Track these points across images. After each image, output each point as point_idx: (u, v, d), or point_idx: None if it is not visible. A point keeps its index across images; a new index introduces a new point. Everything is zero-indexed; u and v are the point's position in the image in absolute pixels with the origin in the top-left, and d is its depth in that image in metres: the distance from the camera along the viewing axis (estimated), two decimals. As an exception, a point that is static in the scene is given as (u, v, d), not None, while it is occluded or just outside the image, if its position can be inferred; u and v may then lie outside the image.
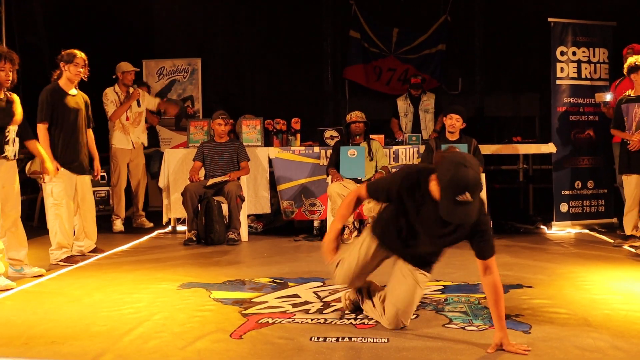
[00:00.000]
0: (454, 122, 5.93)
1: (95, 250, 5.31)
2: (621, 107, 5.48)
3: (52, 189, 4.93)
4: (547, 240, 5.97)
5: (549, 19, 6.55)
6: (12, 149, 4.34)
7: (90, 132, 5.31)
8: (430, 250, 3.10)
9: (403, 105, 7.35)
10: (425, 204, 2.83)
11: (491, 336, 2.94)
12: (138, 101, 6.90)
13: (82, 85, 5.22)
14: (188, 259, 5.21)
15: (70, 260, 4.95)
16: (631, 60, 5.32)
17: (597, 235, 6.18)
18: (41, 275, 4.45)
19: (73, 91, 5.07)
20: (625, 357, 2.66)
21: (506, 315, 3.26)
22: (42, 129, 4.90)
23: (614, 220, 6.59)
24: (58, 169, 4.84)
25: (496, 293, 2.81)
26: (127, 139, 6.78)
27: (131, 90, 6.84)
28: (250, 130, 6.81)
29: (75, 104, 5.07)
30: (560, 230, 6.42)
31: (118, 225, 6.67)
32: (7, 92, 4.33)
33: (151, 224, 6.92)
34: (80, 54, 5.02)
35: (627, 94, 5.45)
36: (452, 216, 2.62)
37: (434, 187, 2.72)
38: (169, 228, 6.76)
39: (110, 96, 6.73)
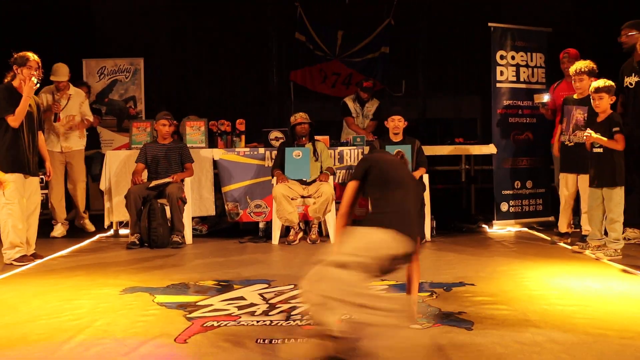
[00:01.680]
0: (397, 124, 6.02)
1: (33, 256, 5.14)
2: (564, 107, 5.68)
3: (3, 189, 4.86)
4: (488, 239, 6.13)
5: (489, 24, 6.73)
6: None
7: (40, 135, 5.25)
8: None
9: (353, 105, 7.38)
10: None
11: (436, 334, 3.01)
12: (66, 105, 6.53)
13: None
14: (131, 263, 5.09)
15: (23, 259, 4.89)
16: (578, 65, 5.49)
17: (535, 233, 6.38)
18: None
19: (24, 92, 4.98)
20: (562, 350, 2.75)
21: (449, 313, 3.35)
22: (11, 120, 4.88)
23: (551, 218, 6.83)
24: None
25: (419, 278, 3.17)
26: (56, 143, 6.48)
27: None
28: (194, 131, 6.72)
29: (28, 107, 5.01)
30: (501, 229, 6.60)
31: (58, 229, 6.45)
32: None
33: (93, 228, 6.73)
34: (33, 57, 4.98)
35: (573, 96, 5.63)
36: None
37: None
38: (111, 232, 6.60)
39: (43, 99, 6.38)
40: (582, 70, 5.40)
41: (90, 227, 6.75)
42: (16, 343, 2.97)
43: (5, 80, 5.03)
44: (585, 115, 5.36)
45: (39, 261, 5.08)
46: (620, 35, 5.60)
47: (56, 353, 2.81)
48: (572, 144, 5.56)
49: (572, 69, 5.52)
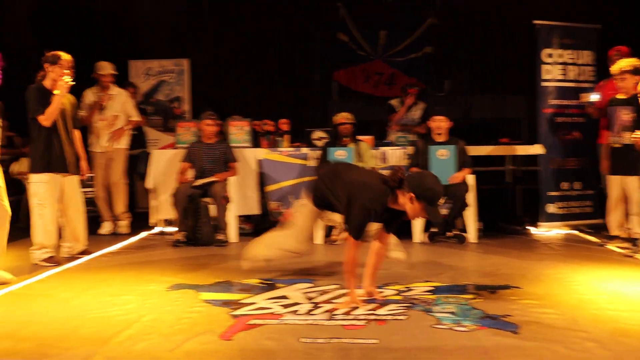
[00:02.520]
0: (440, 124, 5.97)
1: (84, 252, 5.25)
2: (607, 109, 5.53)
3: (36, 189, 4.90)
4: (534, 241, 6.01)
5: (534, 22, 6.60)
6: None
7: (77, 133, 5.25)
8: None
9: (398, 106, 7.33)
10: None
11: (480, 337, 2.97)
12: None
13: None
14: (177, 261, 5.19)
15: (50, 260, 4.90)
16: (621, 64, 5.35)
17: (584, 235, 6.23)
18: (8, 284, 4.22)
19: (57, 91, 4.98)
20: (613, 356, 2.68)
21: (494, 315, 3.30)
22: (44, 120, 4.88)
23: (601, 221, 6.64)
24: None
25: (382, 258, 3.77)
26: (98, 142, 6.58)
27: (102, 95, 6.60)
28: (238, 131, 6.79)
29: (63, 106, 5.03)
30: (547, 231, 6.47)
31: (104, 227, 6.60)
32: None
33: (128, 230, 6.62)
34: (65, 56, 4.96)
35: (617, 97, 5.49)
36: (436, 216, 3.47)
37: (404, 202, 3.39)
38: (157, 229, 6.73)
39: (87, 98, 6.55)
40: (625, 69, 5.25)
41: (125, 230, 6.64)
42: (67, 336, 3.05)
43: (36, 80, 5.00)
44: (632, 115, 5.21)
45: (87, 257, 5.19)
46: None
47: (105, 347, 2.88)
48: (619, 145, 5.40)
49: (614, 68, 5.37)
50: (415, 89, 7.31)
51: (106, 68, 6.59)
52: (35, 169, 4.93)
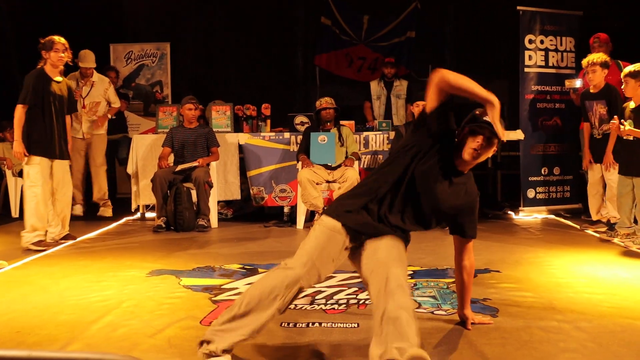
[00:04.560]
0: (422, 109, 5.96)
1: (67, 237, 5.25)
2: (584, 102, 5.58)
3: (28, 171, 4.95)
4: (514, 226, 6.07)
5: (518, 8, 6.61)
6: None
7: (67, 119, 5.29)
8: (423, 213, 2.66)
9: (376, 88, 7.37)
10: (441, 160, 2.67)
11: (460, 320, 2.99)
12: (89, 92, 6.57)
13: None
14: (157, 246, 5.16)
15: (40, 244, 4.92)
16: (591, 57, 5.37)
17: (562, 220, 6.30)
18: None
19: (58, 78, 5.10)
20: (588, 338, 2.72)
21: (474, 299, 3.33)
22: (20, 110, 4.91)
23: (579, 205, 6.73)
24: (26, 155, 4.88)
25: (471, 276, 2.93)
26: (77, 129, 6.50)
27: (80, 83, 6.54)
28: (220, 115, 6.75)
29: (59, 91, 5.10)
30: (527, 216, 6.53)
31: (76, 210, 6.55)
32: None
33: (110, 214, 6.62)
34: (59, 39, 5.02)
35: (589, 90, 5.52)
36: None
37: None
38: (138, 215, 6.69)
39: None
40: (595, 61, 5.29)
41: (108, 213, 6.64)
42: (46, 322, 3.03)
43: (38, 67, 5.06)
44: (607, 108, 5.26)
45: (70, 242, 5.17)
46: None
47: (84, 333, 2.87)
48: (600, 136, 5.45)
49: (584, 61, 5.40)
50: (392, 58, 7.32)
51: (89, 61, 6.52)
52: (29, 152, 4.93)
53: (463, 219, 2.79)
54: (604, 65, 5.28)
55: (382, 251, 2.50)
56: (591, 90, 5.46)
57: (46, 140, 4.99)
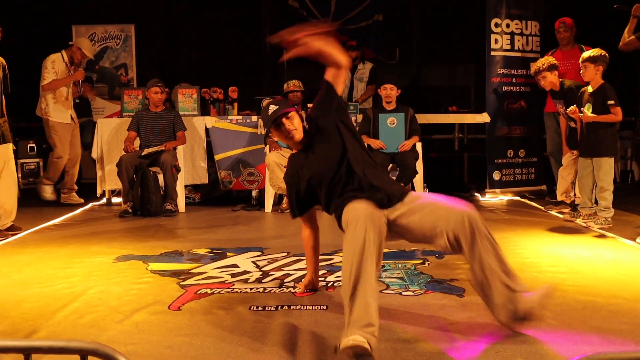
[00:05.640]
0: (389, 92, 5.99)
1: (11, 228, 4.86)
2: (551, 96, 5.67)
3: None
4: (480, 207, 6.16)
5: (485, -10, 6.65)
6: None
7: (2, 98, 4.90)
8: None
9: None
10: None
11: (427, 301, 3.04)
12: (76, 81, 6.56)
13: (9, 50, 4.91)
14: (124, 231, 5.10)
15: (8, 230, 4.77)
16: (537, 64, 5.43)
17: (527, 201, 6.42)
18: None
19: None
20: (551, 316, 2.79)
21: (441, 280, 3.38)
22: None
23: (543, 187, 6.86)
24: None
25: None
26: (68, 114, 6.39)
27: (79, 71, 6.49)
28: (187, 99, 6.67)
29: None
30: (493, 198, 6.64)
31: (48, 191, 6.42)
32: None
33: (81, 200, 6.52)
34: None
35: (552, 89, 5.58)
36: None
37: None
38: (104, 200, 6.59)
39: (58, 65, 6.27)
40: (541, 68, 5.35)
41: (77, 201, 6.50)
42: (10, 311, 2.97)
43: None
44: (564, 107, 5.33)
45: (21, 234, 4.89)
46: None
47: (50, 320, 2.82)
48: (574, 125, 5.53)
49: (533, 69, 5.47)
50: (354, 42, 7.30)
51: (89, 51, 6.47)
52: None
53: None
54: (551, 68, 5.34)
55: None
56: (553, 89, 5.52)
57: None
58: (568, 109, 5.12)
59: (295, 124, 2.98)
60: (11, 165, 4.86)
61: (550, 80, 5.38)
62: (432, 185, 6.37)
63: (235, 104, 6.75)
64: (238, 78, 7.79)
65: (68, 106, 6.40)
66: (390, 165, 5.87)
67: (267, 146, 6.06)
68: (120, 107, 6.82)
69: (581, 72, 5.02)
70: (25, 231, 4.99)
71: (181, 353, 2.42)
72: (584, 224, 4.98)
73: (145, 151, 5.88)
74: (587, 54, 4.98)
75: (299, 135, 2.98)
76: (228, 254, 4.12)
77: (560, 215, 5.45)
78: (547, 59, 5.42)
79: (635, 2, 5.38)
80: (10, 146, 4.88)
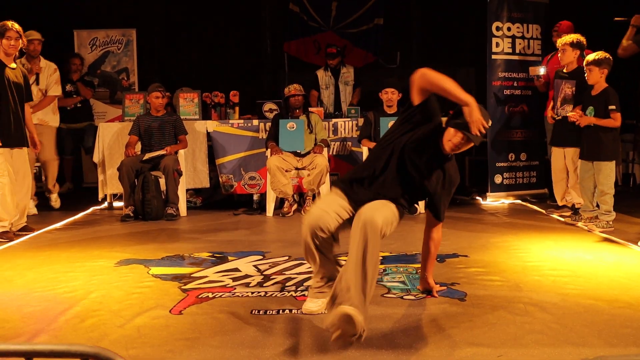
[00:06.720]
0: (390, 96, 6.00)
1: (24, 229, 5.10)
2: (555, 80, 5.66)
3: None
4: (482, 211, 6.16)
5: (486, -6, 6.66)
6: None
7: (27, 107, 5.14)
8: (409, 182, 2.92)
9: (324, 77, 7.34)
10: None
11: (428, 304, 3.04)
12: (37, 78, 6.28)
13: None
14: (125, 236, 5.10)
15: (4, 236, 4.80)
16: (565, 38, 5.47)
17: (529, 205, 6.41)
18: None
19: (13, 65, 4.95)
20: (553, 320, 2.79)
21: (443, 283, 3.37)
22: None
23: (545, 190, 6.86)
24: None
25: (437, 247, 3.23)
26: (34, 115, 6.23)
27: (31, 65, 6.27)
28: (188, 103, 6.68)
29: (15, 78, 4.95)
30: (494, 201, 6.63)
31: (52, 199, 6.43)
32: None
33: (57, 205, 6.44)
34: (12, 26, 4.84)
35: (563, 70, 5.60)
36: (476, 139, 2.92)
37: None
38: (105, 204, 6.60)
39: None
40: (567, 42, 5.39)
41: (55, 204, 6.47)
42: (11, 315, 2.98)
43: None
44: (574, 89, 5.33)
45: (32, 234, 5.06)
46: None
47: (52, 325, 2.82)
48: (559, 117, 5.53)
49: (559, 42, 5.51)
50: (334, 49, 7.29)
51: (33, 33, 6.21)
52: None
53: (440, 201, 3.04)
54: (574, 45, 5.37)
55: (366, 206, 2.75)
56: (565, 70, 5.53)
57: (6, 129, 4.84)
58: (569, 113, 5.09)
59: None
60: (27, 168, 5.15)
61: (568, 56, 5.39)
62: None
63: (237, 108, 6.76)
64: (239, 82, 7.81)
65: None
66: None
67: (269, 150, 6.07)
68: (121, 112, 6.82)
69: (585, 75, 5.03)
70: (27, 235, 5.01)
71: (182, 357, 2.42)
72: (586, 227, 4.97)
73: (147, 155, 5.88)
74: (591, 57, 4.98)
75: None
76: (229, 258, 4.12)
77: (562, 219, 5.45)
78: (574, 36, 5.44)
79: (634, 12, 5.42)
80: (26, 150, 5.12)
